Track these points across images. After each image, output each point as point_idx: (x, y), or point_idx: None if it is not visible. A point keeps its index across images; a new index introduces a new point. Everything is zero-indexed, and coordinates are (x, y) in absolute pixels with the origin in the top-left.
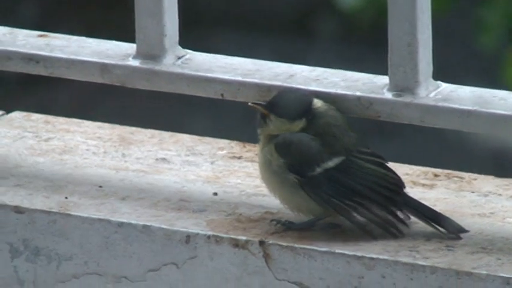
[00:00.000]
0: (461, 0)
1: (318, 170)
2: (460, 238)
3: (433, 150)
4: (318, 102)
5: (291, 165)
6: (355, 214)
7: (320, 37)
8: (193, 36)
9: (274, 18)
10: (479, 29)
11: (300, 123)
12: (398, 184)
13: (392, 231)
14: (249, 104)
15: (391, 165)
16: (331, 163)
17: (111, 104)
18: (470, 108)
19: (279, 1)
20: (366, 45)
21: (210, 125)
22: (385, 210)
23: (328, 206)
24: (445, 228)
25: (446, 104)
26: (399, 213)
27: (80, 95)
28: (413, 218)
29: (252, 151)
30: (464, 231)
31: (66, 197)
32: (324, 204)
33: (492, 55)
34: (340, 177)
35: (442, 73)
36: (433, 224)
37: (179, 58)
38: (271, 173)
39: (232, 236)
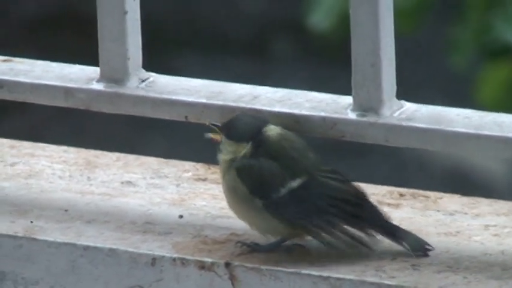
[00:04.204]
0: (434, 19)
1: (283, 191)
2: (427, 255)
3: (399, 169)
4: (271, 130)
5: (254, 189)
6: (323, 234)
7: (283, 58)
8: (156, 60)
9: (237, 40)
10: (452, 48)
11: (246, 147)
12: (362, 197)
13: (361, 250)
14: (207, 123)
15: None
16: (295, 183)
17: (72, 127)
18: (433, 127)
19: (241, 23)
20: (332, 66)
21: (175, 147)
22: (351, 226)
23: (295, 226)
24: (409, 245)
25: (410, 123)
26: (366, 228)
27: (39, 118)
28: (379, 236)
29: (217, 173)
30: (429, 247)
31: (31, 222)
32: (291, 224)
33: (464, 74)
34: (304, 196)
35: (413, 93)
36: (398, 240)
37: (143, 81)
38: (238, 201)
39: (198, 258)
